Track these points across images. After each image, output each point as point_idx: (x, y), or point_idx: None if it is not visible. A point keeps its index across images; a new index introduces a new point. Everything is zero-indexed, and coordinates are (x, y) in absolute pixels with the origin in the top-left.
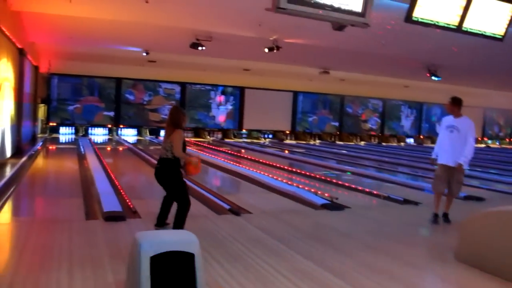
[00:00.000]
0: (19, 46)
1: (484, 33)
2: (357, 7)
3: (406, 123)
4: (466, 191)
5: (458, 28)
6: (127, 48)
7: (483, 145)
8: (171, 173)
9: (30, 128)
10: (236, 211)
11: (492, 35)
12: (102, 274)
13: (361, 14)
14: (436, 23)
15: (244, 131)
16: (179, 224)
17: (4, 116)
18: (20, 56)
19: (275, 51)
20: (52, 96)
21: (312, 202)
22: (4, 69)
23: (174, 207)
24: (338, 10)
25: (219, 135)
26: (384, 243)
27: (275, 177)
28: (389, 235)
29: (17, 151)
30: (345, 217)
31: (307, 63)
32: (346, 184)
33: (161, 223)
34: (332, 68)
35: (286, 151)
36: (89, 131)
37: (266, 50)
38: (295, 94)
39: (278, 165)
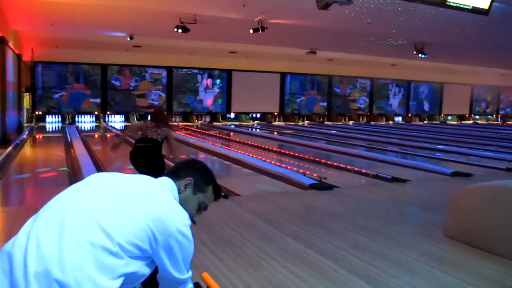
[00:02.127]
0: (0, 34)
1: (468, 7)
2: None
3: (394, 101)
4: (453, 167)
5: (443, 2)
6: (111, 33)
7: (470, 122)
8: (160, 154)
9: (15, 117)
10: (225, 194)
11: (477, 8)
12: None
13: None
14: None
15: (232, 114)
16: None
17: None
18: (1, 44)
19: (260, 32)
20: (37, 85)
21: (300, 182)
22: None
23: None
24: None
25: (207, 119)
26: (373, 222)
27: (263, 159)
28: (378, 213)
29: (3, 141)
30: (334, 197)
31: (294, 43)
32: (335, 164)
33: None
34: (319, 48)
35: (275, 133)
36: (76, 118)
37: (251, 31)
38: (283, 75)
39: (266, 147)
